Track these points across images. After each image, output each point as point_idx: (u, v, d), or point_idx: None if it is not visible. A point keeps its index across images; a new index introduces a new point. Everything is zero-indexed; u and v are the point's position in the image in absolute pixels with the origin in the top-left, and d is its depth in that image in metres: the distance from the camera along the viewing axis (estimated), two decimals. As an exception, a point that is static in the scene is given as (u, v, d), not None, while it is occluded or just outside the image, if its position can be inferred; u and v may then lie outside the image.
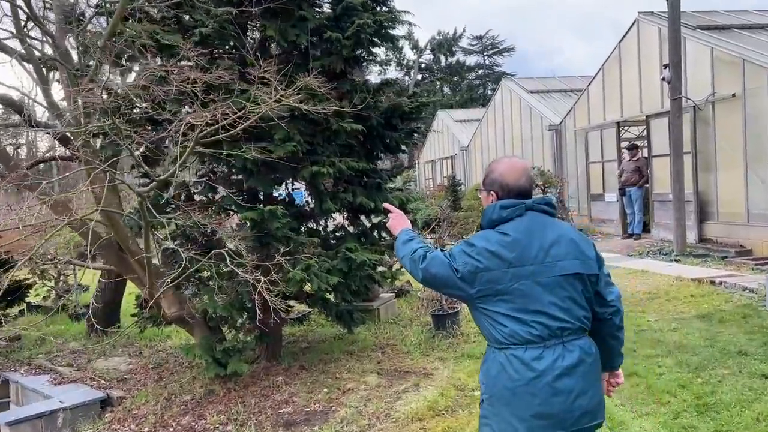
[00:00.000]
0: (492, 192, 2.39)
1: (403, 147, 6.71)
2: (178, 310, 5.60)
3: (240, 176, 5.91)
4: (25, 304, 9.88)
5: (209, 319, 5.57)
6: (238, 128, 4.29)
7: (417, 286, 9.00)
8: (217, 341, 5.68)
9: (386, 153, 6.69)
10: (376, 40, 5.89)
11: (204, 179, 6.03)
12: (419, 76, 59.77)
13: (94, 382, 6.30)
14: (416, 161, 30.96)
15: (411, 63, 59.04)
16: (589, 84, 15.16)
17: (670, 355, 5.56)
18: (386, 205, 2.89)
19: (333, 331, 7.35)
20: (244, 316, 5.70)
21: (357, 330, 7.16)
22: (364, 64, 6.12)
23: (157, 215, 4.75)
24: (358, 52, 5.62)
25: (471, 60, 57.24)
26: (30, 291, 9.52)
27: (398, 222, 2.67)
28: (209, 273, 5.38)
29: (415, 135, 6.62)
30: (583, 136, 15.36)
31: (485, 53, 57.20)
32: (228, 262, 4.51)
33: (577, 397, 2.21)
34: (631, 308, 7.49)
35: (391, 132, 6.35)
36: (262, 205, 6.14)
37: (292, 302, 6.48)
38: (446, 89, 59.31)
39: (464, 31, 56.17)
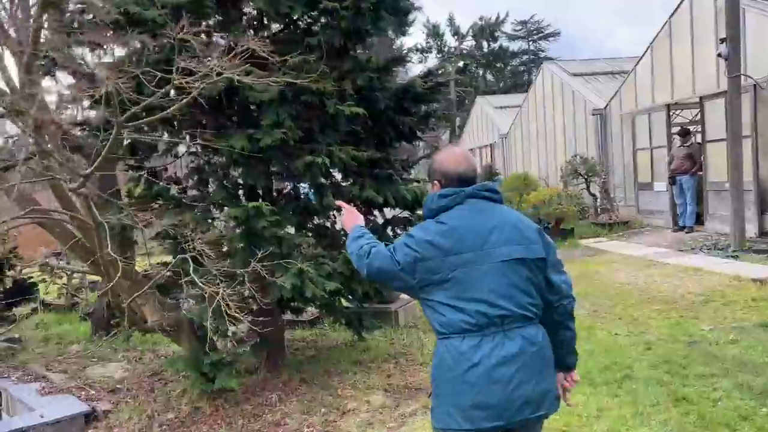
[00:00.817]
0: (435, 181, 2.41)
1: (419, 133, 5.97)
2: (161, 318, 5.04)
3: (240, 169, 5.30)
4: (39, 302, 9.58)
5: (198, 327, 4.99)
6: (173, 107, 3.63)
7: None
8: (206, 353, 5.10)
9: (399, 140, 5.97)
10: (382, 12, 5.16)
11: (197, 172, 5.45)
12: (460, 63, 58.68)
13: (83, 393, 5.81)
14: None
15: (452, 49, 57.96)
16: (636, 64, 14.06)
17: (728, 376, 4.71)
18: (339, 202, 2.93)
19: (346, 335, 6.70)
20: (235, 326, 5.09)
21: (370, 336, 6.49)
22: (369, 40, 5.39)
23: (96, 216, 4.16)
24: (359, 24, 4.89)
25: (515, 46, 55.82)
26: (37, 289, 9.18)
27: (351, 219, 2.70)
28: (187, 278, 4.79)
29: (432, 119, 5.88)
30: (630, 120, 14.28)
31: (530, 39, 55.63)
32: (191, 269, 3.89)
33: (517, 386, 2.17)
34: (681, 313, 6.62)
35: (404, 116, 5.63)
36: (260, 200, 5.57)
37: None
38: (489, 76, 58.02)
39: (507, 16, 54.63)
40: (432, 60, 55.40)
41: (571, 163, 14.22)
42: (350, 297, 5.30)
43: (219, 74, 3.52)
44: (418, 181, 6.52)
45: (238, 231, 4.62)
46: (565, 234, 12.86)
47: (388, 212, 6.21)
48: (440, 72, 6.54)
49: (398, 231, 6.18)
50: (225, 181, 5.08)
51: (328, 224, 6.01)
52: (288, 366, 5.75)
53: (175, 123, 5.04)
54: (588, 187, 14.19)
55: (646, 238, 12.06)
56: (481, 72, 57.90)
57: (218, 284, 3.82)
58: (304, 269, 4.49)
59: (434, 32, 57.64)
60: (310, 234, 5.93)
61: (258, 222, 4.42)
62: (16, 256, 8.27)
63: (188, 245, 4.61)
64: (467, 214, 2.29)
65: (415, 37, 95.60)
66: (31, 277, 8.85)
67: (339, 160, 4.87)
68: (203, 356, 4.99)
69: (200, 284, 3.79)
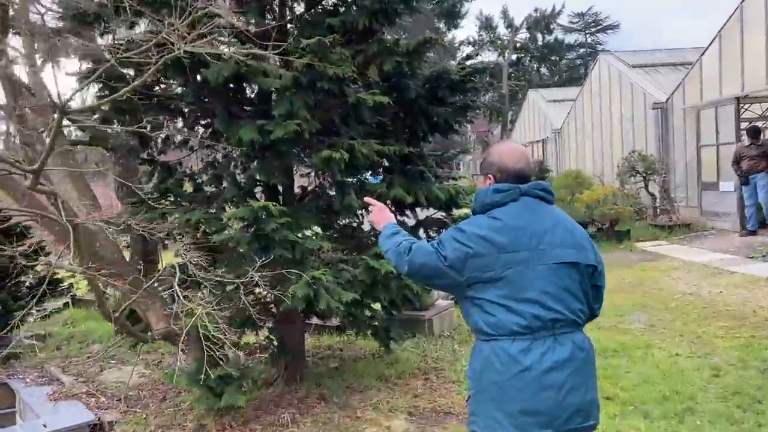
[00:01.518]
0: (489, 175, 2.32)
1: (456, 126, 5.39)
2: (167, 325, 4.63)
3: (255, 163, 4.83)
4: (69, 298, 9.43)
5: (205, 337, 4.55)
6: (124, 89, 3.15)
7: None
8: (215, 364, 4.66)
9: (432, 133, 5.40)
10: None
11: (212, 167, 5.02)
12: (514, 56, 57.30)
13: (93, 400, 5.48)
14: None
15: (505, 42, 56.65)
16: (702, 54, 13.02)
17: (815, 415, 3.98)
18: (367, 199, 2.76)
19: (373, 345, 6.16)
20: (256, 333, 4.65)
21: (400, 346, 5.96)
22: (400, 21, 4.83)
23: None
24: (386, 2, 4.35)
25: (570, 38, 54.34)
26: (70, 284, 9.00)
27: (381, 216, 2.59)
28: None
29: (469, 111, 5.28)
30: (694, 115, 13.26)
31: (587, 31, 53.94)
32: (177, 279, 3.43)
33: (568, 393, 2.09)
34: (752, 332, 5.84)
35: (438, 107, 5.06)
36: (280, 197, 5.10)
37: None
38: (543, 70, 56.49)
39: (563, 7, 53.23)
40: (485, 54, 54.40)
41: (628, 160, 13.31)
42: (372, 307, 4.78)
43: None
44: (455, 179, 5.94)
45: (247, 233, 4.14)
46: (621, 236, 12.00)
47: (421, 213, 5.66)
48: (477, 57, 5.85)
49: (431, 233, 5.64)
50: (238, 177, 4.62)
51: (355, 224, 5.53)
52: (308, 379, 5.28)
53: (186, 113, 4.60)
54: (646, 186, 13.25)
55: (710, 243, 11.11)
56: (535, 66, 56.50)
57: (222, 292, 3.33)
58: (318, 277, 3.98)
59: (487, 25, 56.56)
60: (336, 235, 5.47)
61: (267, 224, 3.94)
62: (42, 249, 8.08)
63: (178, 251, 4.20)
64: (522, 212, 2.20)
65: (467, 29, 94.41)
66: (56, 273, 8.66)
67: (362, 154, 4.33)
68: (212, 368, 4.58)
69: (179, 295, 3.31)
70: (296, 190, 5.60)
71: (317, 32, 4.18)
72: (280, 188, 5.11)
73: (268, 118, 4.09)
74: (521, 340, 2.10)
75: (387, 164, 5.37)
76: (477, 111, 5.39)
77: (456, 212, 5.62)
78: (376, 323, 5.26)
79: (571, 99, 21.10)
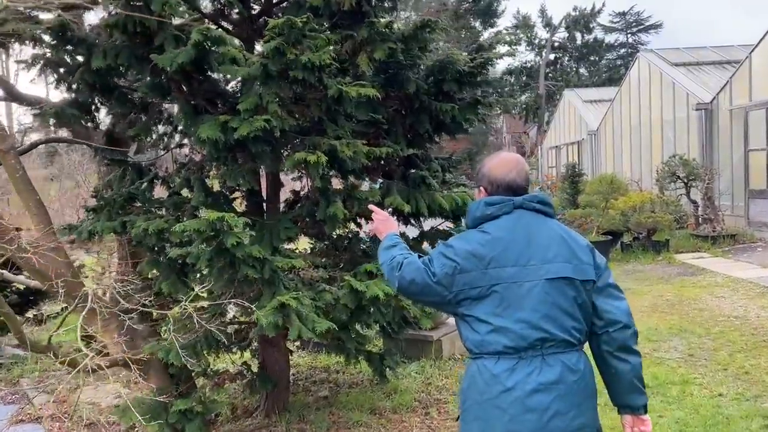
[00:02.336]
0: (481, 187, 2.24)
1: (465, 125, 4.69)
2: (123, 350, 4.07)
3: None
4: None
5: (169, 364, 3.97)
6: None
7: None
8: (179, 395, 4.08)
9: (438, 133, 4.73)
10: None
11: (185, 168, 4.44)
12: (552, 56, 56.04)
13: (57, 425, 4.97)
14: (538, 147, 28.25)
15: (543, 42, 55.44)
16: (752, 51, 12.02)
17: None
18: (371, 206, 2.64)
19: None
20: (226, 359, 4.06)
21: (404, 371, 5.30)
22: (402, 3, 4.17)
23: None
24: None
25: (611, 38, 52.99)
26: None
27: (384, 226, 2.49)
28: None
29: (481, 108, 4.58)
30: (742, 116, 12.27)
31: (628, 31, 52.45)
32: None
33: (553, 416, 1.97)
34: (811, 369, 5.01)
35: (443, 102, 4.38)
36: (263, 204, 4.50)
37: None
38: (582, 70, 55.11)
39: (603, 6, 51.93)
40: (522, 53, 53.54)
41: (668, 165, 12.37)
42: (360, 332, 4.15)
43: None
44: (464, 186, 5.26)
45: (208, 248, 3.54)
46: (659, 247, 11.10)
47: (428, 224, 5.00)
48: (491, 45, 5.10)
49: (436, 246, 4.98)
50: (208, 181, 4.03)
51: (350, 235, 4.90)
52: (292, 409, 4.66)
53: (148, 107, 4.02)
54: (688, 193, 12.30)
55: (759, 257, 10.14)
56: (574, 66, 55.19)
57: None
58: (287, 303, 3.35)
59: (524, 23, 55.47)
60: (327, 247, 4.85)
61: (227, 238, 3.32)
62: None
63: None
64: (514, 225, 2.11)
65: (503, 28, 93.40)
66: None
67: (348, 157, 3.69)
68: (174, 399, 4.00)
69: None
70: (287, 195, 5.03)
71: (301, 15, 3.56)
72: (264, 194, 4.52)
73: (232, 112, 3.48)
74: (506, 359, 2.01)
75: (380, 168, 4.77)
76: (491, 108, 4.66)
77: (464, 223, 4.95)
78: (368, 348, 4.61)
79: (609, 99, 20.11)
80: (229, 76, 3.62)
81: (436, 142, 4.93)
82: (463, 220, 4.91)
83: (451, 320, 6.34)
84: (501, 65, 73.74)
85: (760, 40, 11.75)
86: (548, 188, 17.26)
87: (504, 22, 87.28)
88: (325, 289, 3.85)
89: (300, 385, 5.40)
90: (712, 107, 13.35)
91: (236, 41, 3.56)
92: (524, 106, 56.98)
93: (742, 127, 12.29)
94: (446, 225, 4.92)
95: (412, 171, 4.58)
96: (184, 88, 3.65)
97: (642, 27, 51.91)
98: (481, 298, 2.04)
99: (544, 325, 2.01)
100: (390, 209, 4.61)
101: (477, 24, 56.48)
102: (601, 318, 2.10)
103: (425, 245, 4.94)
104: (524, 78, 57.96)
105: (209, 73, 3.68)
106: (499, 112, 59.07)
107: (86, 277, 6.48)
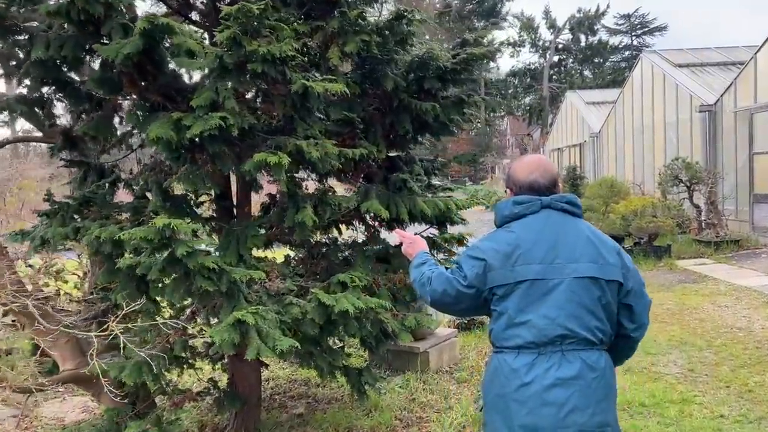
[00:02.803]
0: (507, 188, 2.33)
1: (450, 125, 4.40)
2: (76, 366, 3.79)
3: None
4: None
5: (121, 382, 3.67)
6: None
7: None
8: (135, 415, 3.79)
9: (421, 134, 4.43)
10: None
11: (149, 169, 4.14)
12: (555, 58, 55.68)
13: (16, 442, 4.68)
14: (541, 149, 27.93)
15: (547, 44, 55.10)
16: (757, 51, 11.69)
17: None
18: (397, 231, 2.79)
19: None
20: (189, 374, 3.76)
21: (378, 391, 4.99)
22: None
23: None
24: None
25: (615, 40, 52.76)
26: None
27: (412, 248, 2.55)
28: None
29: (466, 107, 4.28)
30: (747, 118, 11.93)
31: (633, 33, 52.15)
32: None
33: (571, 411, 2.01)
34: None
35: (424, 101, 4.08)
36: (234, 209, 4.21)
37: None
38: (586, 72, 54.76)
39: (608, 8, 51.78)
40: (525, 54, 53.37)
41: (670, 168, 12.04)
42: (324, 352, 3.85)
43: None
44: (451, 189, 4.96)
45: (160, 258, 3.24)
46: (660, 252, 10.77)
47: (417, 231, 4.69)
48: (476, 41, 4.78)
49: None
50: (165, 184, 3.73)
51: (327, 241, 4.61)
52: (263, 429, 4.37)
53: (103, 103, 3.73)
54: (690, 197, 11.97)
55: (764, 264, 9.80)
56: (578, 67, 54.84)
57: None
58: (244, 319, 3.05)
59: (527, 25, 55.18)
60: (305, 255, 4.56)
61: (178, 247, 3.03)
62: None
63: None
64: (541, 224, 2.15)
65: (507, 30, 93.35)
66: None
67: (317, 158, 3.39)
68: (128, 420, 3.71)
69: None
70: (265, 198, 4.73)
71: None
72: (234, 198, 4.23)
73: (187, 108, 3.19)
74: (526, 354, 2.06)
75: (368, 171, 4.48)
76: (477, 107, 4.35)
77: (451, 231, 4.65)
78: (345, 363, 4.31)
79: (612, 101, 19.78)
80: (183, 69, 3.31)
81: (420, 143, 4.63)
82: (448, 226, 4.63)
83: (440, 331, 6.05)
84: (504, 67, 73.24)
85: (766, 39, 11.42)
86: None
87: (507, 24, 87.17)
88: (292, 302, 3.55)
89: (276, 400, 5.10)
90: (715, 109, 13.01)
91: (189, 29, 3.24)
92: (528, 107, 56.74)
93: (746, 130, 11.96)
94: (430, 232, 4.62)
95: (395, 174, 4.28)
96: (138, 82, 3.35)
97: (647, 29, 51.71)
98: (507, 295, 2.09)
99: (565, 322, 2.04)
100: (369, 216, 4.35)
101: (481, 25, 56.28)
102: (633, 321, 2.17)
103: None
104: (528, 80, 57.74)
105: (170, 66, 3.38)
106: (502, 113, 59.00)
107: (66, 282, 6.20)
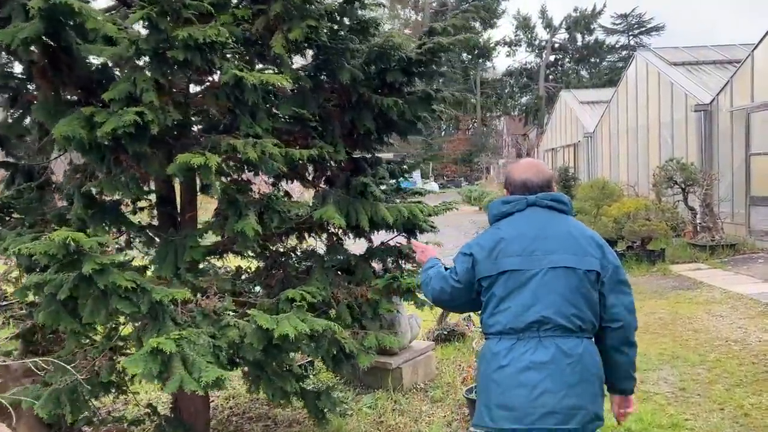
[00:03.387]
0: (505, 189, 2.49)
1: (418, 123, 3.99)
2: (-9, 394, 3.36)
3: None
4: None
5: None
6: None
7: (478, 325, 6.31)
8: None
9: (387, 132, 4.03)
10: None
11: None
12: (552, 57, 55.32)
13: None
14: (534, 149, 27.56)
15: (543, 43, 54.72)
16: (755, 48, 11.31)
17: None
18: (413, 242, 3.12)
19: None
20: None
21: (354, 407, 4.58)
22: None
23: None
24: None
25: (612, 40, 52.51)
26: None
27: (424, 256, 2.73)
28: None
29: (435, 103, 3.87)
30: (743, 118, 11.55)
31: (630, 33, 51.82)
32: None
33: (541, 393, 2.13)
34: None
35: (388, 96, 3.67)
36: (177, 219, 3.80)
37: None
38: (583, 72, 54.41)
39: (604, 7, 51.62)
40: (521, 53, 53.13)
41: (664, 170, 11.64)
42: (270, 377, 3.43)
43: None
44: (420, 194, 4.56)
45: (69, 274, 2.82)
46: (654, 257, 10.37)
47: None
48: (445, 30, 4.41)
49: (390, 264, 4.29)
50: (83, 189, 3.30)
51: (283, 249, 4.21)
52: (211, 457, 3.96)
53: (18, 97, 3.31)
54: (685, 199, 11.57)
55: (761, 269, 9.41)
56: (574, 67, 54.50)
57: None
58: (161, 346, 2.63)
59: (524, 24, 54.84)
60: (264, 264, 4.17)
61: (85, 262, 2.61)
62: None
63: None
64: (523, 220, 2.32)
65: (503, 29, 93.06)
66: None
67: (255, 159, 2.97)
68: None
69: None
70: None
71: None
72: (178, 204, 3.82)
73: (101, 103, 2.77)
74: (506, 339, 2.22)
75: (329, 174, 4.10)
76: (446, 102, 3.92)
77: (422, 238, 4.24)
78: (299, 386, 3.90)
79: (606, 101, 19.38)
80: (93, 56, 2.89)
81: (386, 144, 4.21)
82: (418, 234, 4.24)
83: (416, 344, 5.64)
84: (501, 66, 72.96)
85: (763, 37, 11.04)
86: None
87: (504, 23, 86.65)
88: (230, 323, 3.14)
89: (232, 422, 4.69)
90: (711, 108, 12.62)
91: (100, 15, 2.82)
92: (524, 107, 56.38)
93: (743, 130, 11.58)
94: (399, 240, 4.22)
95: (355, 178, 3.87)
96: (48, 74, 2.93)
97: (644, 29, 51.44)
98: (491, 285, 2.26)
99: (542, 309, 2.17)
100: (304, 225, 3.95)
101: (477, 24, 55.94)
102: (606, 313, 2.26)
103: (376, 265, 4.26)
104: (524, 79, 57.39)
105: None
106: (499, 113, 58.61)
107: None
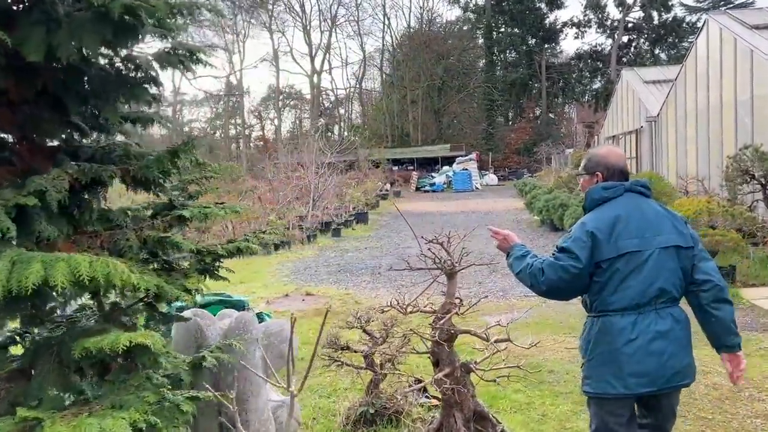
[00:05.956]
0: (597, 173, 2.77)
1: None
2: None
3: None
4: None
5: None
6: None
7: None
8: None
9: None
10: None
11: None
12: (625, 38, 51.53)
13: None
14: (595, 137, 24.73)
15: (615, 23, 51.07)
16: None
17: None
18: (490, 227, 3.06)
19: None
20: None
21: None
22: None
23: None
24: None
25: (693, 18, 48.28)
26: None
27: (506, 242, 2.90)
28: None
29: (153, 76, 1.83)
30: None
31: (715, 9, 47.32)
32: None
33: (669, 358, 2.53)
34: None
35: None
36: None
37: None
38: (659, 52, 50.35)
39: (686, -19, 47.26)
40: (591, 35, 49.96)
41: (738, 160, 9.01)
42: None
43: None
44: (220, 205, 2.50)
45: None
46: (721, 275, 7.82)
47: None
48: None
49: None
50: None
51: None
52: None
53: None
54: (765, 198, 8.92)
55: None
56: (649, 48, 50.54)
57: None
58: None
59: (594, 4, 51.34)
60: None
61: None
62: None
63: None
64: (627, 205, 2.64)
65: (571, 9, 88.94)
66: None
67: None
68: None
69: None
70: None
71: None
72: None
73: None
74: (629, 314, 2.55)
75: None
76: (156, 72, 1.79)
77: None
78: None
79: (673, 79, 16.50)
80: None
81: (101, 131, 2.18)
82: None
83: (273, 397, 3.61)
84: (569, 49, 69.10)
85: None
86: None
87: (572, 3, 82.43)
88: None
89: None
90: (803, 80, 9.81)
91: None
92: (594, 93, 52.71)
93: None
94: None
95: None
96: None
97: (731, 5, 46.74)
98: (611, 266, 2.56)
99: (658, 284, 2.55)
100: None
101: (543, 5, 52.67)
102: (699, 276, 2.61)
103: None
104: (594, 63, 53.66)
105: None
106: (568, 100, 55.18)
107: None
